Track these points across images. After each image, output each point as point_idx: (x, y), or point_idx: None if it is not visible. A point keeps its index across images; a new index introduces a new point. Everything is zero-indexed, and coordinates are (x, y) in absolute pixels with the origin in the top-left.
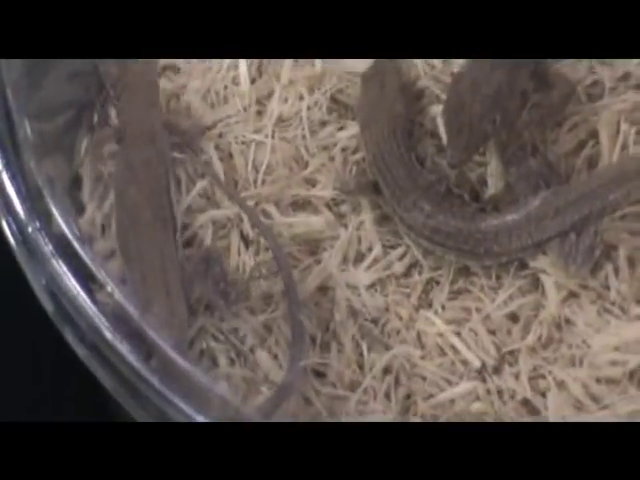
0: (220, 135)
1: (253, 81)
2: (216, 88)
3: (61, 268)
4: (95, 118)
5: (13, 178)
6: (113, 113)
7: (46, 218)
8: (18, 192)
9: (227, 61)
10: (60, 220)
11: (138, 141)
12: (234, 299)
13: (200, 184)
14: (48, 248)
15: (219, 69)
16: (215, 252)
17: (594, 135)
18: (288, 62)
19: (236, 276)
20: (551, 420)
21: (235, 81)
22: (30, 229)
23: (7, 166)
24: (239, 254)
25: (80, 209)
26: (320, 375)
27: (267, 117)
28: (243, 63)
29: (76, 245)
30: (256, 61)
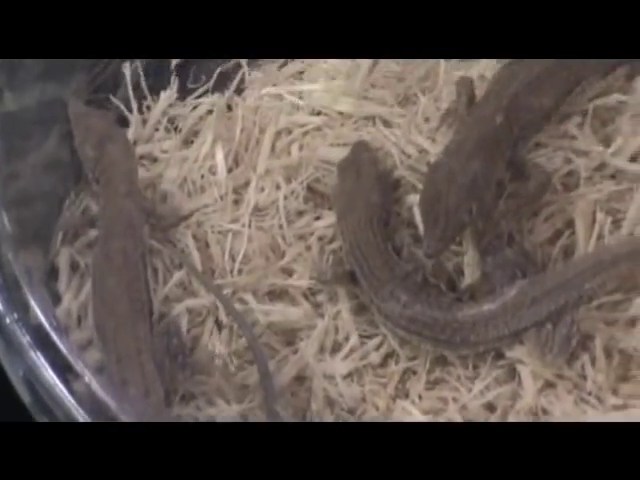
0: (197, 224)
1: (230, 170)
2: (193, 177)
3: (39, 359)
4: (71, 207)
5: None
6: (90, 202)
7: (23, 309)
8: None
9: (204, 151)
10: (37, 311)
11: (117, 230)
12: (192, 370)
13: (177, 275)
14: (25, 339)
15: (196, 158)
16: (174, 325)
17: (570, 225)
18: (264, 151)
19: (202, 352)
20: None
21: (212, 170)
22: (8, 320)
23: None
24: (214, 342)
25: (56, 299)
26: None
27: (244, 206)
28: (220, 152)
29: (53, 336)
30: (233, 150)
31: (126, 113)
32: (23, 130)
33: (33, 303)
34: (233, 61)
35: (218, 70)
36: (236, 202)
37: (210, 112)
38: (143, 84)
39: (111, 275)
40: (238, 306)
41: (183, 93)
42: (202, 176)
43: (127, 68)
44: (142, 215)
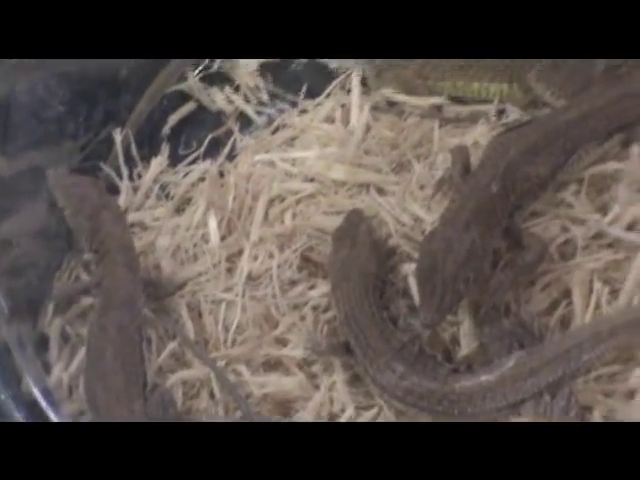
0: (191, 293)
1: (223, 238)
2: (185, 245)
3: None
4: (62, 277)
5: None
6: (82, 271)
7: (16, 380)
8: None
9: (196, 219)
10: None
11: (115, 302)
12: None
13: (171, 345)
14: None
15: (188, 226)
16: (168, 396)
17: (567, 294)
18: (258, 219)
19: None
20: None
21: (205, 238)
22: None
23: None
24: (209, 413)
25: (47, 369)
26: None
27: (237, 275)
28: (213, 220)
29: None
30: (226, 217)
31: (117, 180)
32: (13, 196)
33: (26, 374)
34: (224, 127)
35: (209, 136)
36: (229, 270)
37: (202, 179)
38: (134, 151)
39: (107, 347)
40: (232, 378)
41: (174, 160)
42: (195, 244)
43: (118, 134)
44: (140, 287)
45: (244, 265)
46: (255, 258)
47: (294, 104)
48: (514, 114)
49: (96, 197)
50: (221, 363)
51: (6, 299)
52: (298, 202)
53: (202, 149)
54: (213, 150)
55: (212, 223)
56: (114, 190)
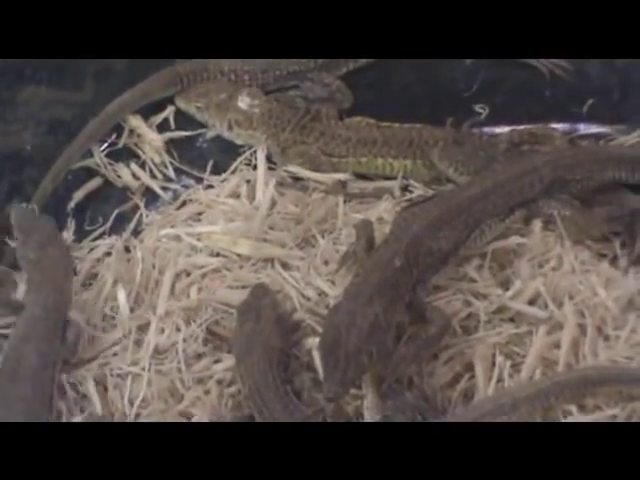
0: (99, 366)
1: (132, 310)
2: (94, 320)
3: None
4: None
5: None
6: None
7: None
8: None
9: (104, 292)
10: None
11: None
12: None
13: (77, 419)
14: None
15: (95, 300)
16: None
17: (470, 368)
18: (164, 293)
19: None
20: None
21: (113, 311)
22: None
23: None
24: None
25: None
26: None
27: (144, 349)
28: (122, 294)
29: None
30: (134, 291)
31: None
32: None
33: None
34: (130, 202)
35: (115, 212)
36: (137, 343)
37: (107, 254)
38: None
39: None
40: None
41: (80, 235)
42: (103, 317)
43: None
44: (59, 328)
45: (151, 339)
46: (162, 331)
47: (200, 180)
48: (418, 190)
49: (47, 234)
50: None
51: None
52: (204, 276)
53: (108, 224)
54: (119, 226)
55: (121, 296)
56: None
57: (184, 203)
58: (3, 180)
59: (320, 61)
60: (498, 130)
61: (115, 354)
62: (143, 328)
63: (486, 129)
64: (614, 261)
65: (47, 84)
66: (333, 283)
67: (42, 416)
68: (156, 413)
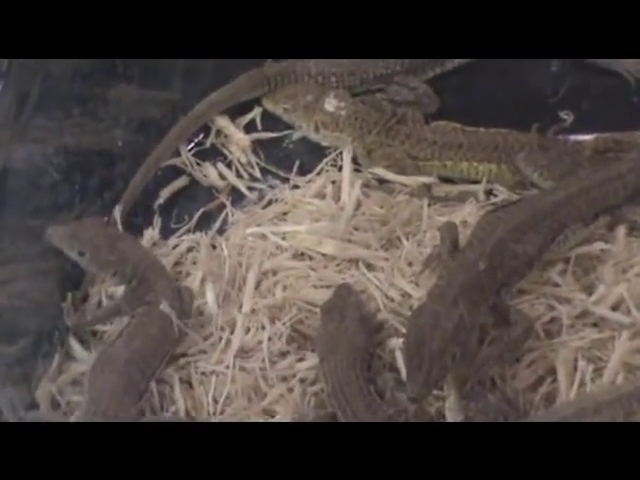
0: (182, 366)
1: (218, 307)
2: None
3: None
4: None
5: None
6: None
7: None
8: None
9: (193, 289)
10: None
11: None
12: None
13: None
14: None
15: None
16: None
17: (552, 372)
18: (249, 291)
19: None
20: None
21: (200, 309)
22: None
23: None
24: None
25: None
26: None
27: (230, 348)
28: (210, 291)
29: None
30: (222, 289)
31: None
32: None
33: None
34: (216, 201)
35: (201, 210)
36: (221, 341)
37: (190, 249)
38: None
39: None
40: None
41: (166, 233)
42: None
43: (117, 211)
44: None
45: (236, 337)
46: (247, 330)
47: (285, 180)
48: (502, 194)
49: (106, 232)
50: None
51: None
52: (289, 275)
53: (193, 222)
54: (204, 224)
55: (210, 294)
56: None
57: (270, 202)
58: (94, 175)
59: (406, 64)
60: (583, 137)
61: (202, 351)
62: (229, 325)
63: (571, 136)
64: None
65: (138, 83)
66: (417, 285)
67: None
68: (239, 410)
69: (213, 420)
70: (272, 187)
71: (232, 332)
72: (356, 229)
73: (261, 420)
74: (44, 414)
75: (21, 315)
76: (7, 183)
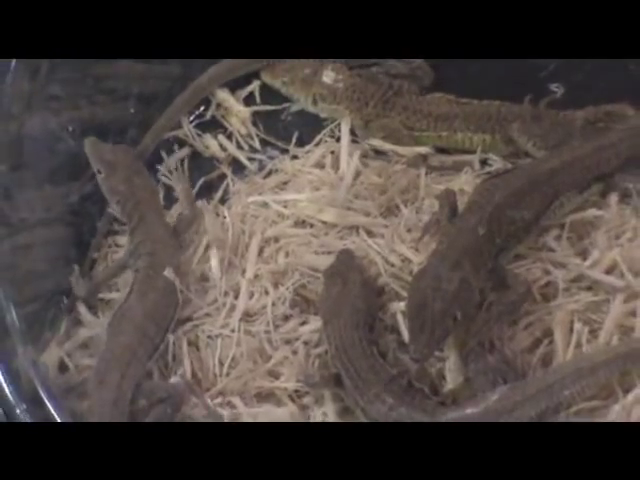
0: (189, 329)
1: (223, 273)
2: (187, 281)
3: None
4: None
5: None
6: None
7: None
8: (6, 376)
9: (198, 254)
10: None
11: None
12: None
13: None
14: None
15: (189, 262)
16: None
17: (549, 334)
18: (252, 257)
19: None
20: None
21: (204, 275)
22: (18, 410)
23: None
24: None
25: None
26: None
27: (235, 312)
28: (215, 257)
29: None
30: (226, 256)
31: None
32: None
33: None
34: (217, 171)
35: (202, 180)
36: (225, 306)
37: None
38: None
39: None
40: (227, 411)
41: (169, 202)
42: (197, 280)
43: None
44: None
45: (241, 302)
46: (251, 295)
47: (285, 151)
48: (497, 163)
49: (129, 163)
50: (216, 394)
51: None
52: (290, 242)
53: (194, 191)
54: (206, 194)
55: (214, 260)
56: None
57: (270, 172)
58: (108, 140)
59: None
60: (573, 109)
61: (207, 315)
62: (233, 290)
63: (561, 108)
64: None
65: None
66: (416, 250)
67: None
68: (245, 372)
69: (219, 382)
70: (272, 158)
71: (236, 297)
72: (356, 197)
73: (266, 381)
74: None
75: (33, 280)
76: (24, 150)
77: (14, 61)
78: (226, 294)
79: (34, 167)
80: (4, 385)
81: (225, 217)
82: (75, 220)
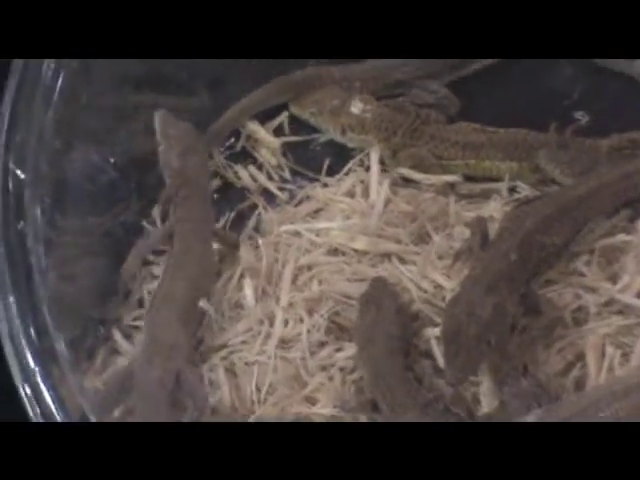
0: (225, 356)
1: (257, 301)
2: (222, 309)
3: None
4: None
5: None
6: None
7: None
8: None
9: (232, 284)
10: None
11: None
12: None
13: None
14: None
15: (224, 291)
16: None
17: (581, 358)
18: (286, 285)
19: None
20: None
21: (238, 303)
22: None
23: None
24: None
25: None
26: None
27: (270, 339)
28: (249, 285)
29: None
30: (260, 284)
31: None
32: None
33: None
34: (248, 202)
35: (235, 210)
36: (261, 333)
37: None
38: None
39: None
40: None
41: None
42: (232, 308)
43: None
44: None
45: (277, 329)
46: (286, 322)
47: (314, 181)
48: (525, 191)
49: (189, 141)
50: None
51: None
52: (323, 270)
53: (228, 222)
54: (238, 224)
55: (248, 288)
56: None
57: (301, 201)
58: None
59: (426, 69)
60: (598, 136)
61: (243, 342)
62: (268, 318)
63: (586, 135)
64: None
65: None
66: (448, 277)
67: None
68: (282, 399)
69: (257, 409)
70: (302, 188)
71: (271, 325)
72: (387, 225)
73: (304, 407)
74: None
75: (76, 310)
76: (67, 182)
77: (55, 96)
78: (261, 322)
79: (77, 198)
80: (54, 412)
81: (258, 246)
82: (117, 250)
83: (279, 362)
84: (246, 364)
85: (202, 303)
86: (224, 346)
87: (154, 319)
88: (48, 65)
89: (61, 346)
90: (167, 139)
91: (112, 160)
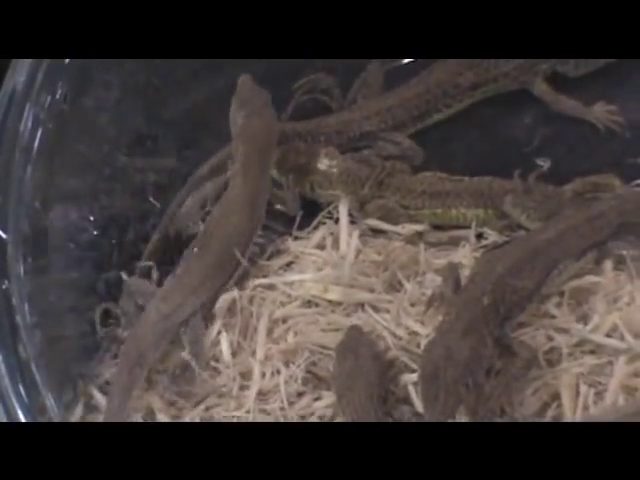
0: (205, 410)
1: (234, 356)
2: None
3: None
4: None
5: None
6: None
7: None
8: None
9: (209, 339)
10: None
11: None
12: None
13: None
14: None
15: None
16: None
17: (556, 397)
18: (262, 338)
19: None
20: None
21: (215, 357)
22: None
23: None
24: None
25: None
26: None
27: (248, 393)
28: (225, 341)
29: None
30: (235, 339)
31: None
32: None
33: None
34: None
35: None
36: (240, 388)
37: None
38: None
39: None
40: None
41: None
42: (208, 363)
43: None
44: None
45: (254, 382)
46: (263, 375)
47: (284, 234)
48: (492, 237)
49: (259, 105)
50: None
51: None
52: (298, 322)
53: None
54: None
55: (224, 344)
56: None
57: (271, 255)
58: (129, 230)
59: (390, 122)
60: (561, 181)
61: (221, 396)
62: (245, 373)
63: (549, 180)
64: None
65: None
66: (422, 323)
67: None
68: None
69: None
70: (272, 241)
71: (249, 379)
72: (359, 275)
73: None
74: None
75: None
76: (48, 241)
77: (33, 155)
78: (240, 375)
79: (59, 256)
80: None
81: (237, 300)
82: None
83: (258, 414)
84: (225, 418)
85: (183, 354)
86: (201, 402)
87: (188, 261)
88: (25, 125)
89: (52, 403)
90: (238, 100)
91: (92, 218)
